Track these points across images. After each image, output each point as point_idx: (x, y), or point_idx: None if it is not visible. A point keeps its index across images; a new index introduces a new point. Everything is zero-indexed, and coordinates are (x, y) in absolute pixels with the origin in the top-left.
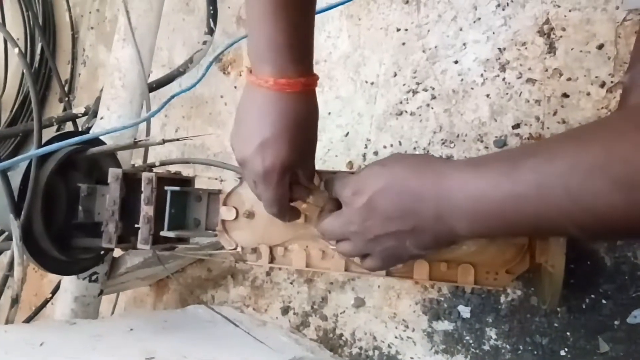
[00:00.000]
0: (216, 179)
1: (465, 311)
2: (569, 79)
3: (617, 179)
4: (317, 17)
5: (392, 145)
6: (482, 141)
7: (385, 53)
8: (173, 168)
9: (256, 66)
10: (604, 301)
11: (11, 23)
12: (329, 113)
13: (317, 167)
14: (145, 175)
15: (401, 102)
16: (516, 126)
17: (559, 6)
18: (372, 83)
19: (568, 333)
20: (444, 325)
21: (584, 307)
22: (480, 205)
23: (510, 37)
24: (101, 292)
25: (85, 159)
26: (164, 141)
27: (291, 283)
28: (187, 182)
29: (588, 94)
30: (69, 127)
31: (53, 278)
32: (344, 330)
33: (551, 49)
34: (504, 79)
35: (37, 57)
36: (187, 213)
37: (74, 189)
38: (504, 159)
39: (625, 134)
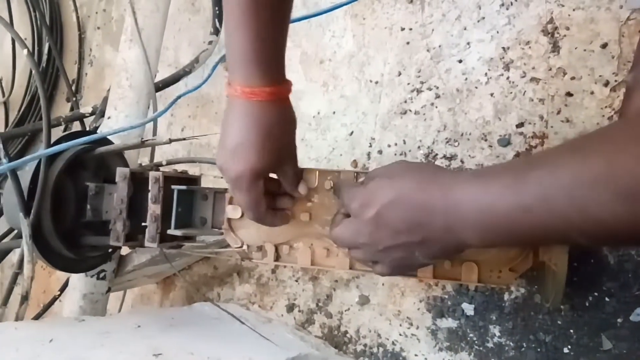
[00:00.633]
0: (222, 177)
1: (469, 309)
2: (572, 78)
3: (620, 191)
4: (322, 17)
5: (396, 144)
6: (486, 140)
7: (390, 52)
8: (179, 167)
9: (230, 75)
10: (607, 299)
11: (19, 23)
12: (334, 112)
13: (322, 167)
14: (152, 174)
15: (405, 101)
16: (520, 125)
17: (562, 5)
18: (376, 82)
19: (571, 330)
20: (448, 323)
21: (587, 305)
22: (488, 217)
23: (514, 36)
24: (109, 290)
25: (93, 158)
26: (170, 140)
27: (296, 281)
28: (194, 181)
29: (592, 92)
30: (76, 126)
31: (61, 275)
32: (349, 327)
33: (555, 48)
34: (508, 78)
35: (45, 57)
36: (193, 211)
37: (82, 187)
38: (509, 171)
39: (627, 146)
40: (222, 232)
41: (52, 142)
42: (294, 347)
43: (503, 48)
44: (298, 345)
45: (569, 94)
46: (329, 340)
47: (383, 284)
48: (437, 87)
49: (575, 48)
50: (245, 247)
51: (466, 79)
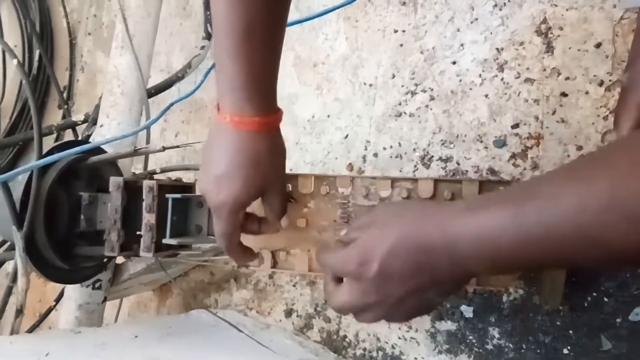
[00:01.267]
0: None
1: (468, 311)
2: (567, 78)
3: (629, 215)
4: (315, 20)
5: (391, 147)
6: (481, 141)
7: (383, 55)
8: (174, 174)
9: (219, 101)
10: (605, 299)
11: (8, 30)
12: (328, 115)
13: (316, 171)
14: (146, 183)
15: (400, 104)
16: (515, 126)
17: (556, 5)
18: (370, 85)
19: (571, 331)
20: (447, 326)
21: (586, 305)
22: (490, 250)
23: (507, 37)
24: (105, 299)
25: (86, 167)
26: (164, 148)
27: (294, 285)
28: (188, 188)
29: (587, 92)
30: (68, 134)
31: (57, 285)
32: (348, 331)
33: (549, 48)
34: (502, 79)
35: (35, 64)
36: (188, 219)
37: (76, 197)
38: (506, 202)
39: (631, 169)
40: None
41: (44, 152)
42: (293, 353)
43: (497, 49)
44: (297, 351)
45: (564, 94)
46: (328, 345)
47: None
48: (432, 89)
49: (569, 48)
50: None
51: (460, 80)
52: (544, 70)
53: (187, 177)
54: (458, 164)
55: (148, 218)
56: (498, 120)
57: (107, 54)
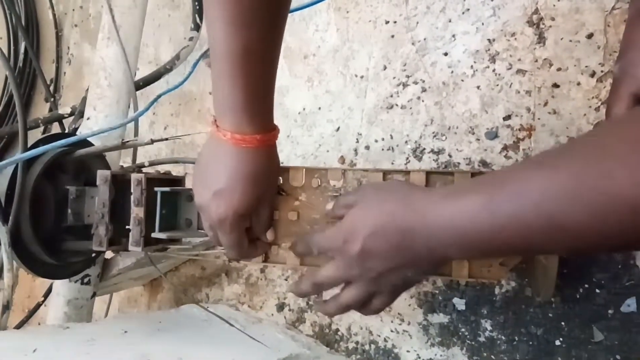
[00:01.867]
0: None
1: (460, 303)
2: (559, 69)
3: (589, 202)
4: (305, 11)
5: (383, 139)
6: (473, 133)
7: (375, 46)
8: (163, 167)
9: (218, 118)
10: (597, 290)
11: None
12: (319, 108)
13: (308, 164)
14: (134, 176)
15: (392, 96)
16: (507, 117)
17: None
18: (361, 77)
19: (563, 323)
20: (440, 318)
21: (578, 297)
22: (465, 237)
23: (499, 27)
24: (94, 294)
25: (72, 160)
26: (152, 141)
27: (286, 279)
28: (178, 181)
29: (578, 83)
30: (55, 127)
31: (45, 280)
32: (340, 325)
33: (541, 39)
34: (494, 70)
35: (21, 57)
36: (178, 213)
37: (63, 191)
38: (476, 191)
39: (592, 158)
40: None
41: (29, 145)
42: (285, 348)
43: (488, 40)
44: (289, 345)
45: (556, 86)
46: (320, 338)
47: None
48: (423, 81)
49: (561, 39)
50: None
51: (452, 72)
52: (536, 61)
53: (176, 170)
54: (450, 156)
55: (136, 212)
56: (490, 112)
57: (94, 46)
